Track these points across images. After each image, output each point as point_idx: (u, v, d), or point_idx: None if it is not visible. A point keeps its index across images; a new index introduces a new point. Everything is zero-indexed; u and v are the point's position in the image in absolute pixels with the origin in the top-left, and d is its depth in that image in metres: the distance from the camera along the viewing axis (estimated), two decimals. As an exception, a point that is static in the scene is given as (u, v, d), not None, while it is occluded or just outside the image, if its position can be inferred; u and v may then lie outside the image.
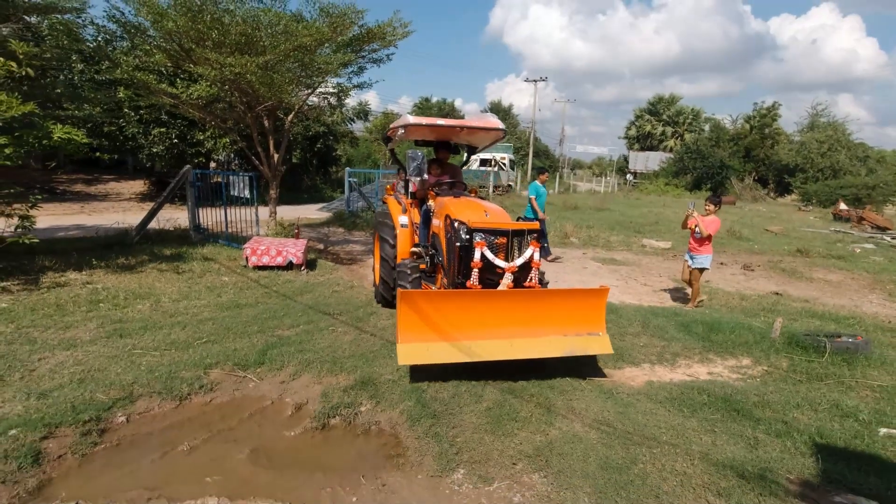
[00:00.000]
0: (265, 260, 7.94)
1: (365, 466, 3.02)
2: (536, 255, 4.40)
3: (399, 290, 3.90)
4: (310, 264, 8.43)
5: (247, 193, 10.13)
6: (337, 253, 10.38)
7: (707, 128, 49.26)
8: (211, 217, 10.32)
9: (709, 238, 6.86)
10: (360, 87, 10.28)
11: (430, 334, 3.87)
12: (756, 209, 27.96)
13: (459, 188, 5.83)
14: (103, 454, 3.01)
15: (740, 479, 2.88)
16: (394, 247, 5.69)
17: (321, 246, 10.82)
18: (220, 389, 3.85)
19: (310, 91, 9.69)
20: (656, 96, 55.93)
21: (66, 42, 8.94)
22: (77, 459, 2.92)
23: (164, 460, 2.99)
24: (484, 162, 27.35)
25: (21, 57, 5.71)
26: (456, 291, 4.17)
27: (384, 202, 6.64)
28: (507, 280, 4.27)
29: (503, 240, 4.37)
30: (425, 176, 5.49)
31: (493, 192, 25.55)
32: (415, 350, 3.81)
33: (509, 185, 28.49)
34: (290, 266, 8.01)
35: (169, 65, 8.93)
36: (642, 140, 55.62)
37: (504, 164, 28.44)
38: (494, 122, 5.61)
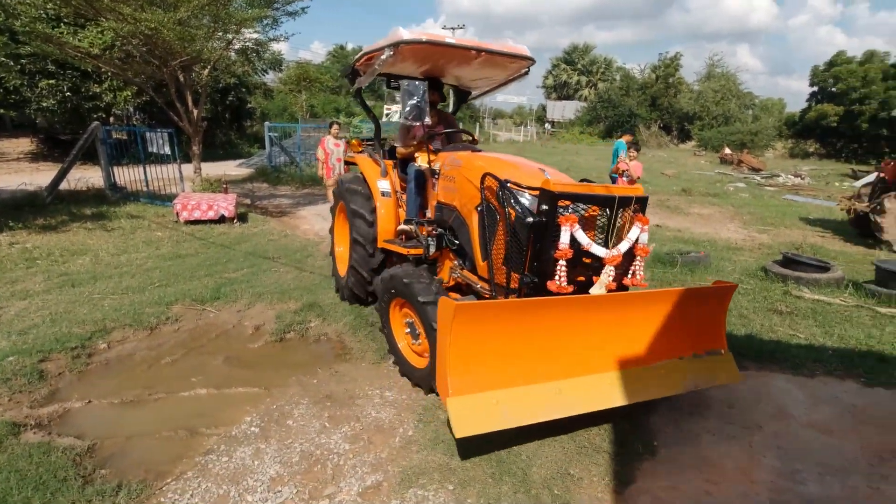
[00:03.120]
0: (196, 214, 8.21)
1: (320, 362, 3.87)
2: (644, 238, 3.02)
3: (447, 303, 2.44)
4: (241, 217, 8.79)
5: (167, 150, 10.05)
6: (265, 207, 10.70)
7: (618, 77, 51.98)
8: (126, 175, 10.18)
9: (636, 180, 8.15)
10: (276, 40, 10.34)
11: (499, 376, 2.60)
12: (658, 155, 30.72)
13: (458, 140, 4.42)
14: (97, 370, 3.62)
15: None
16: (372, 224, 4.24)
17: (248, 201, 11.05)
18: (184, 320, 4.47)
19: (225, 45, 9.63)
20: (572, 45, 57.60)
21: None
22: (75, 375, 3.51)
23: (152, 370, 3.65)
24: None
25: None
26: (535, 302, 2.65)
27: (352, 162, 4.95)
28: (605, 278, 2.89)
29: (593, 211, 2.94)
30: (427, 119, 3.70)
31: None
32: (479, 407, 2.52)
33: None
34: (222, 220, 8.35)
35: (50, 7, 8.36)
36: (559, 89, 57.57)
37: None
38: (521, 48, 4.01)
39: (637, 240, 3.01)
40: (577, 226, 2.73)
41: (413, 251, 3.87)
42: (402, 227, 4.14)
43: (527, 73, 4.36)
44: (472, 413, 2.49)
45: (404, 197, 4.25)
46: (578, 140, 40.15)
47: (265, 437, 2.91)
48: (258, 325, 4.47)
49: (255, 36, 10.00)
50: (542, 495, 2.46)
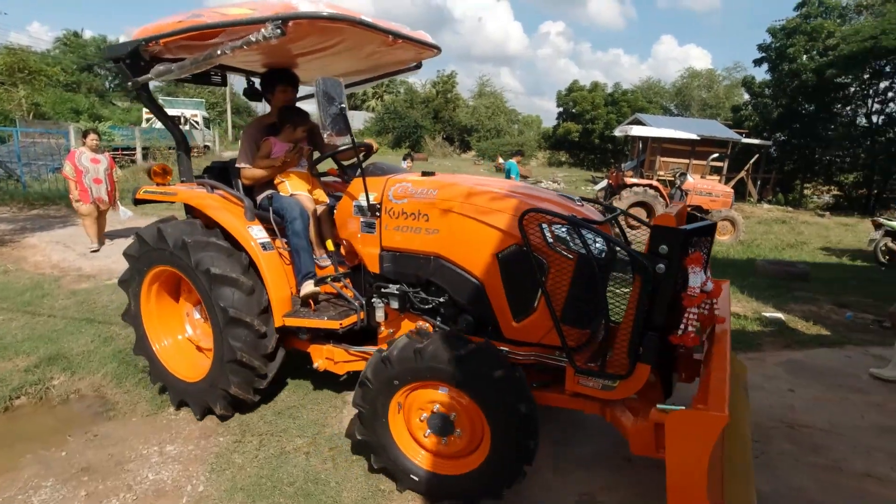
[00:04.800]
0: None
1: (70, 428, 3.08)
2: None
3: (701, 417, 1.73)
4: (-72, 252, 6.52)
5: None
6: (-30, 236, 8.16)
7: (402, 91, 55.02)
8: None
9: None
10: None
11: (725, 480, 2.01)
12: (444, 164, 33.40)
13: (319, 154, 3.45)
14: None
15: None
16: (253, 291, 2.90)
17: (-60, 229, 8.28)
18: None
19: None
20: (358, 57, 58.72)
21: None
22: None
23: None
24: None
25: None
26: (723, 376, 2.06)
27: (164, 200, 3.42)
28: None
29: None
30: (349, 135, 2.74)
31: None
32: None
33: (206, 146, 25.89)
34: None
35: None
36: (348, 99, 58.02)
37: (197, 122, 25.66)
38: (425, 35, 3.21)
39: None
40: (702, 265, 2.27)
41: (346, 321, 2.86)
42: (310, 289, 2.94)
43: (419, 66, 3.64)
44: None
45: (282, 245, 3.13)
46: (369, 150, 41.14)
47: (-13, 546, 2.20)
48: (-34, 395, 3.34)
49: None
50: (355, 517, 2.41)
